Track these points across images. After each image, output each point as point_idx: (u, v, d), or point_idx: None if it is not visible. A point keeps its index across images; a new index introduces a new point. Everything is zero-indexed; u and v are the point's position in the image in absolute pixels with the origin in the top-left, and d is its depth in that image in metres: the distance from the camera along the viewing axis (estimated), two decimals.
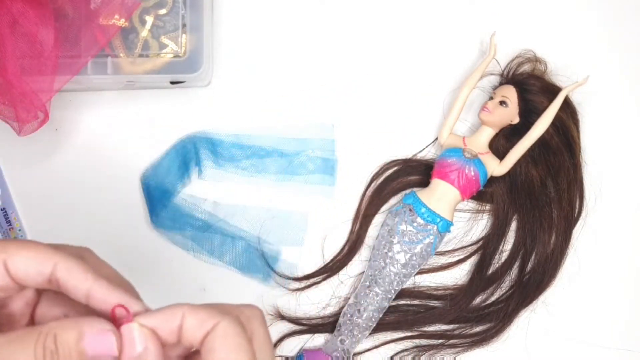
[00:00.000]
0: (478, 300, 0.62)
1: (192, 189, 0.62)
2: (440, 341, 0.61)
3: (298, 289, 0.62)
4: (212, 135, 0.62)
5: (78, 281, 0.29)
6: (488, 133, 0.61)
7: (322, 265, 0.62)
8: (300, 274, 0.62)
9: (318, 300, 0.62)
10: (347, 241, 0.62)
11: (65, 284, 0.29)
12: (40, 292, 0.33)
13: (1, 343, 0.27)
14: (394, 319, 0.61)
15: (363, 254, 0.63)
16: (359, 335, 0.60)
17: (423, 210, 0.59)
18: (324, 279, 0.62)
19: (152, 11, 0.59)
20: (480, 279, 0.62)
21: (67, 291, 0.30)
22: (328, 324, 0.61)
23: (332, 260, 0.62)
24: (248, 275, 0.61)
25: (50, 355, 0.27)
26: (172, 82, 0.60)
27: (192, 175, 0.62)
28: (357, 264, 0.63)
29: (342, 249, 0.62)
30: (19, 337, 0.27)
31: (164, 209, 0.60)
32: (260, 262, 0.61)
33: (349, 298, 0.61)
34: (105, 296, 0.29)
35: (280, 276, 0.61)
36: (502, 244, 0.63)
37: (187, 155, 0.61)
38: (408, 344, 0.62)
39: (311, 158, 0.62)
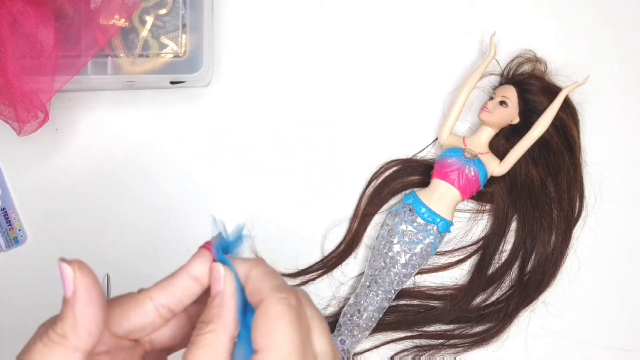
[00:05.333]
0: (478, 300, 0.62)
1: None
2: (440, 341, 0.61)
3: (294, 286, 0.62)
4: None
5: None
6: (488, 133, 0.61)
7: (318, 260, 0.62)
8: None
9: (318, 301, 0.62)
10: (344, 239, 0.62)
11: None
12: None
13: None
14: (394, 319, 0.61)
15: (360, 252, 0.63)
16: (359, 336, 0.59)
17: (423, 210, 0.59)
18: (319, 276, 0.62)
19: (152, 11, 0.59)
20: (480, 279, 0.62)
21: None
22: (328, 324, 0.61)
23: (328, 256, 0.62)
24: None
25: None
26: (172, 82, 0.60)
27: None
28: (356, 264, 0.63)
29: (338, 246, 0.62)
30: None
31: None
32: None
33: (349, 298, 0.61)
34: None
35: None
36: (502, 244, 0.63)
37: None
38: (408, 344, 0.62)
39: None
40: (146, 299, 0.32)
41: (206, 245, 0.33)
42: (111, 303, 0.32)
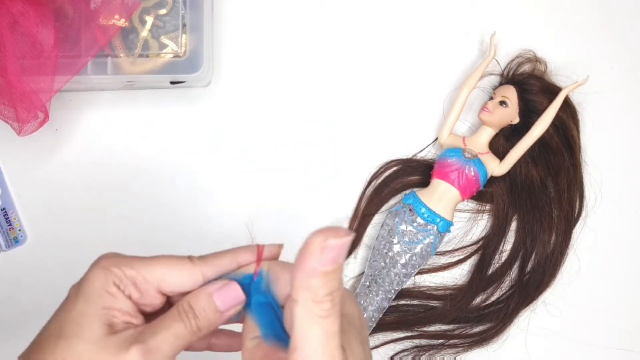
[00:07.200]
0: (478, 300, 0.62)
1: None
2: (440, 341, 0.61)
3: None
4: None
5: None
6: (488, 133, 0.61)
7: None
8: None
9: None
10: None
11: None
12: None
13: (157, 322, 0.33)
14: (394, 319, 0.61)
15: (360, 252, 0.63)
16: None
17: (423, 210, 0.59)
18: None
19: (152, 11, 0.59)
20: (480, 279, 0.62)
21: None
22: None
23: None
24: None
25: (186, 314, 0.33)
26: (172, 82, 0.60)
27: None
28: (356, 264, 0.63)
29: None
30: (167, 315, 0.34)
31: None
32: None
33: None
34: None
35: None
36: (502, 244, 0.63)
37: None
38: (408, 344, 0.62)
39: None
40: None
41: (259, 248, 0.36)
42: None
